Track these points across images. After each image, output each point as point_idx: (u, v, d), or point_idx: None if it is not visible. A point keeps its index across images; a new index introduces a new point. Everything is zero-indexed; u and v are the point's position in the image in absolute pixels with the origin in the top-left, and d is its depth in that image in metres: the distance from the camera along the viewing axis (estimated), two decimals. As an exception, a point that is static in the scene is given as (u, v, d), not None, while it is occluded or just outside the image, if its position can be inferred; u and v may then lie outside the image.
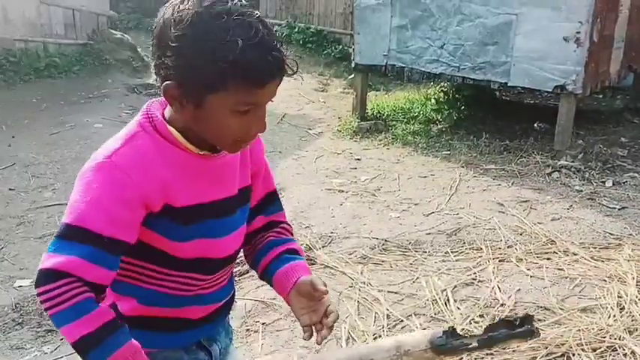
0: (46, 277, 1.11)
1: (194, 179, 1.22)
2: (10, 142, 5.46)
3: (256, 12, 1.14)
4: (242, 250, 1.42)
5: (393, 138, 5.95)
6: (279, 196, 1.49)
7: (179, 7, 1.12)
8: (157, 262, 1.24)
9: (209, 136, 1.19)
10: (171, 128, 1.20)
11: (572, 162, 5.08)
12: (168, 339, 1.32)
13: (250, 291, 3.16)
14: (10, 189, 4.46)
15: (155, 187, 1.16)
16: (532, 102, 7.37)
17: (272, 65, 1.11)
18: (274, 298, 3.03)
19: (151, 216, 1.18)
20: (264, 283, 1.44)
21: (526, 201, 4.36)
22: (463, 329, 2.81)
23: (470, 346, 1.19)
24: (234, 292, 1.45)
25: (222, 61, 1.08)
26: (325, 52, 10.29)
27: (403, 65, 6.11)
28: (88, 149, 5.29)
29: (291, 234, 1.46)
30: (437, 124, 6.34)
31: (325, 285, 1.31)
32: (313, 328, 1.32)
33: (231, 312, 1.47)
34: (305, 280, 1.33)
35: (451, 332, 1.20)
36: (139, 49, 9.32)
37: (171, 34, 1.10)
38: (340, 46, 10.22)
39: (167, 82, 1.14)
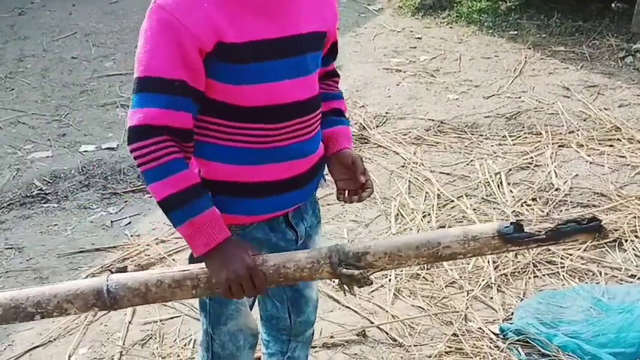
0: (136, 134, 1.17)
1: (245, 13, 1.18)
2: (71, 10, 5.49)
3: None
4: None
5: (457, 16, 5.65)
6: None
7: None
8: (224, 116, 1.24)
9: None
10: None
11: (650, 46, 4.74)
12: (253, 205, 1.31)
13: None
14: (72, 57, 4.54)
15: (203, 23, 1.14)
16: (613, -20, 6.79)
17: None
18: (326, 174, 3.07)
19: (208, 61, 1.18)
20: None
21: (594, 86, 4.15)
22: (514, 211, 2.81)
23: (537, 237, 1.17)
24: (322, 157, 1.41)
25: None
26: None
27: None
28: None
29: (337, 84, 1.48)
30: (506, 2, 5.96)
31: (364, 166, 1.39)
32: (346, 192, 1.39)
33: (318, 186, 1.45)
34: (347, 154, 1.37)
35: (518, 224, 1.19)
36: None
37: None
38: None
39: None
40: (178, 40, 1.14)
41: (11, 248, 2.60)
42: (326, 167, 1.43)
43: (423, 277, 2.43)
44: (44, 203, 2.91)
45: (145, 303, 1.25)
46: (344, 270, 1.18)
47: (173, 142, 1.17)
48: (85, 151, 3.35)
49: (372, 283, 1.20)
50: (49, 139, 3.45)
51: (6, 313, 1.18)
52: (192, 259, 1.40)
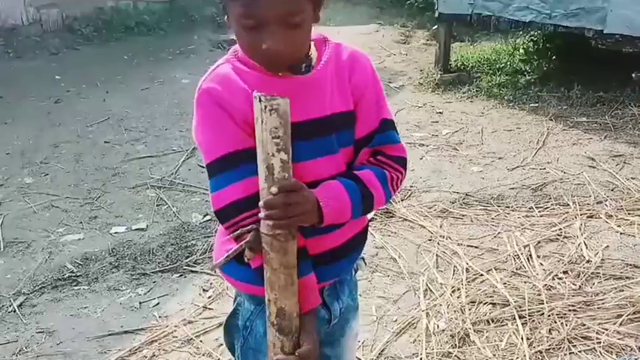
0: (223, 217, 1.23)
1: None
2: (104, 97, 5.74)
3: None
4: None
5: (477, 90, 5.76)
6: (395, 127, 1.36)
7: None
8: None
9: (245, 52, 1.23)
10: None
11: (673, 114, 4.75)
12: None
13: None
14: (105, 142, 4.71)
15: (242, 101, 1.20)
16: (630, 50, 6.89)
17: None
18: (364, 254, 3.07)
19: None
20: None
21: (619, 155, 4.14)
22: (545, 285, 2.76)
23: None
24: (364, 234, 1.39)
25: None
26: (408, 2, 9.99)
27: (490, 14, 5.85)
28: (176, 104, 5.49)
29: (395, 170, 1.34)
30: (525, 76, 6.08)
31: None
32: None
33: (358, 267, 1.44)
34: None
35: None
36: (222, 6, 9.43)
37: None
38: (424, -4, 9.88)
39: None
40: (231, 115, 1.20)
41: (42, 332, 2.62)
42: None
43: (455, 355, 2.38)
44: (75, 286, 2.95)
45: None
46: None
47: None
48: (115, 233, 3.41)
49: None
50: (81, 222, 3.53)
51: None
52: (226, 331, 1.41)
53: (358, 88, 1.31)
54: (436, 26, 6.96)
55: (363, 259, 1.45)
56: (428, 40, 8.10)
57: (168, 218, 3.56)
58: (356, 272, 1.47)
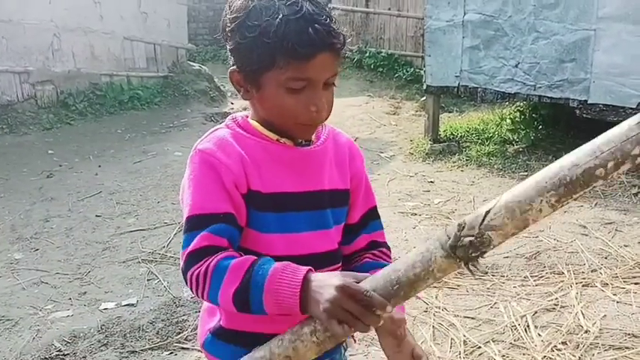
0: (187, 265, 1.15)
1: (270, 166, 1.23)
2: (97, 171, 5.76)
3: None
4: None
5: (467, 160, 5.84)
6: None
7: None
8: None
9: (274, 120, 1.23)
10: (251, 120, 1.27)
11: (661, 181, 4.81)
12: None
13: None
14: (96, 215, 4.69)
15: (237, 165, 1.20)
16: (615, 119, 7.06)
17: (315, 36, 1.13)
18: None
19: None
20: None
21: (611, 223, 4.16)
22: (545, 357, 2.70)
23: None
24: None
25: (267, 37, 1.13)
26: (396, 75, 10.29)
27: (476, 86, 6.02)
28: (168, 176, 5.52)
29: (390, 257, 1.42)
30: (513, 145, 6.18)
31: (406, 323, 1.26)
32: None
33: (348, 345, 1.40)
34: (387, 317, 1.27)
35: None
36: (215, 79, 9.66)
37: (227, 21, 1.20)
38: (411, 69, 10.19)
39: (230, 68, 1.23)
40: (221, 178, 1.19)
41: (26, 415, 2.52)
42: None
43: None
44: (62, 365, 2.86)
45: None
46: (459, 243, 0.94)
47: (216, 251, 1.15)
48: (104, 309, 3.34)
49: (491, 242, 0.95)
50: (70, 298, 3.46)
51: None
52: None
53: (357, 175, 1.36)
54: (424, 97, 7.14)
55: (352, 336, 1.42)
56: (417, 111, 8.28)
57: (159, 293, 3.50)
58: (345, 350, 1.43)
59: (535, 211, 0.90)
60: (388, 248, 1.42)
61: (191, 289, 1.16)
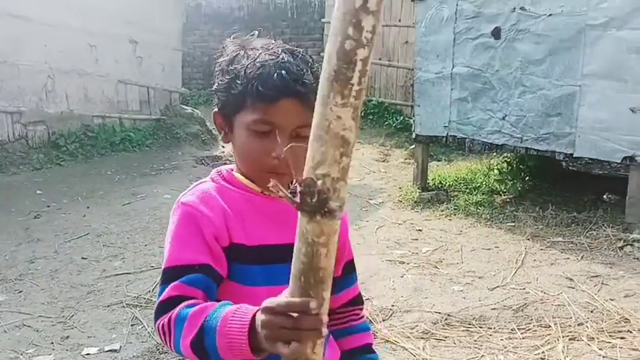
0: (155, 316, 1.16)
1: (254, 218, 1.26)
2: (85, 212, 5.74)
3: (295, 48, 1.24)
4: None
5: (455, 209, 5.89)
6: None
7: (229, 45, 1.27)
8: None
9: (242, 165, 1.27)
10: (235, 173, 1.30)
11: (646, 235, 4.87)
12: None
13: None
14: (82, 257, 4.65)
15: (220, 219, 1.22)
16: (600, 172, 7.17)
17: (279, 81, 1.17)
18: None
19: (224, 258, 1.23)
20: None
21: (597, 276, 4.18)
22: (531, 412, 2.68)
23: None
24: None
25: (240, 79, 1.19)
26: (386, 123, 10.44)
27: (464, 136, 6.12)
28: (156, 219, 5.50)
29: (361, 315, 1.47)
30: (500, 195, 6.25)
31: None
32: None
33: None
34: None
35: None
36: (207, 123, 9.73)
37: (217, 65, 1.27)
38: (401, 117, 10.35)
39: (214, 111, 1.29)
40: (201, 230, 1.21)
41: None
42: None
43: None
44: (40, 413, 2.79)
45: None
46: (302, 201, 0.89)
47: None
48: (87, 354, 3.28)
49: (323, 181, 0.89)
50: (52, 342, 3.41)
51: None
52: None
53: (341, 228, 1.37)
54: (414, 146, 7.23)
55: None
56: (406, 159, 8.37)
57: (143, 339, 3.45)
58: None
59: (334, 120, 0.84)
60: (361, 302, 1.48)
61: (161, 340, 1.16)
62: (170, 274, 1.19)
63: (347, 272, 1.43)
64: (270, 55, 1.21)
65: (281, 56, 1.20)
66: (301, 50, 1.27)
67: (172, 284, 1.17)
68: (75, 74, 7.95)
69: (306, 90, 1.20)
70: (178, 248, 1.21)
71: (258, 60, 1.19)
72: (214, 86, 1.27)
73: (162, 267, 1.22)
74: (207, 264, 1.19)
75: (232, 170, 1.33)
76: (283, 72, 1.18)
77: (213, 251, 1.21)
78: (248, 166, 1.26)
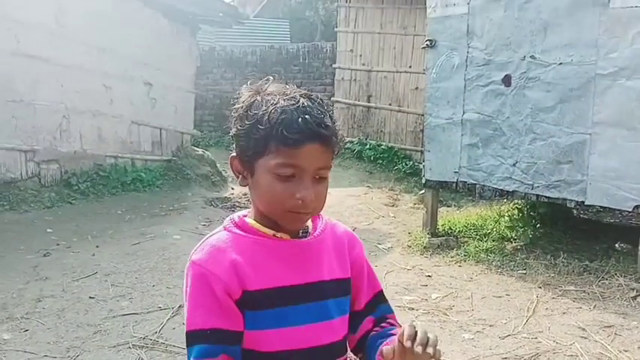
0: None
1: (267, 262, 1.26)
2: (94, 251, 5.74)
3: (311, 93, 1.27)
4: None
5: (465, 255, 5.83)
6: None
7: (245, 92, 1.29)
8: None
9: (264, 207, 1.27)
10: (247, 219, 1.31)
11: (660, 285, 4.79)
12: None
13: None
14: (90, 297, 4.63)
15: (229, 273, 1.23)
16: (612, 221, 7.11)
17: (304, 125, 1.19)
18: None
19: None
20: None
21: (610, 326, 4.10)
22: None
23: None
24: None
25: (262, 124, 1.21)
26: (396, 167, 10.47)
27: (474, 182, 6.11)
28: (164, 259, 5.48)
29: (394, 321, 1.42)
30: (511, 242, 6.20)
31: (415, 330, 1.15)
32: None
33: None
34: (388, 348, 1.18)
35: None
36: (217, 165, 9.81)
37: (233, 111, 1.28)
38: (411, 162, 10.38)
39: (231, 155, 1.29)
40: (212, 290, 1.22)
41: None
42: None
43: None
44: None
45: None
46: None
47: None
48: (91, 396, 3.24)
49: None
50: (55, 383, 3.36)
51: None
52: None
53: (357, 262, 1.39)
54: (423, 191, 7.22)
55: None
56: (415, 204, 8.35)
57: (149, 381, 3.40)
58: None
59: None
60: (392, 312, 1.43)
61: None
62: (189, 339, 1.24)
63: (376, 302, 1.41)
64: (289, 100, 1.23)
65: (300, 101, 1.23)
66: (317, 95, 1.29)
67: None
68: (89, 114, 8.07)
69: (328, 133, 1.23)
70: (194, 311, 1.24)
71: (278, 105, 1.22)
72: (232, 131, 1.29)
73: (185, 330, 1.27)
74: (217, 328, 1.22)
75: (244, 216, 1.34)
76: (307, 117, 1.20)
77: (228, 309, 1.23)
78: (271, 207, 1.27)
